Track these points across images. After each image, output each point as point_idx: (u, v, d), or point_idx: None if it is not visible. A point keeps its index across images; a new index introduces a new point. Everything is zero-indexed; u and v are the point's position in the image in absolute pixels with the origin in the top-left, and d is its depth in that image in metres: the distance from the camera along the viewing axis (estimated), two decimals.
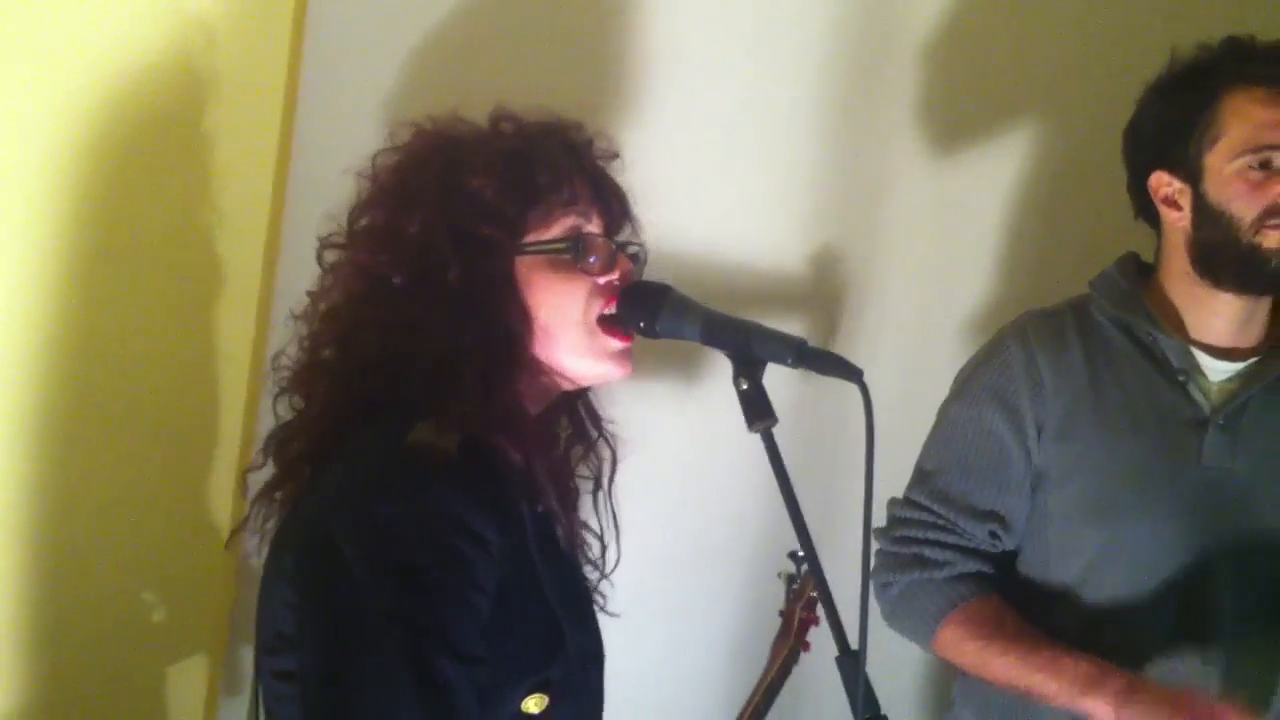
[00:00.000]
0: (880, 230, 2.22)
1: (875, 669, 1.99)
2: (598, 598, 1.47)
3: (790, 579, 2.01)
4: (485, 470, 1.23)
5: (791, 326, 1.35)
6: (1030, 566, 1.78)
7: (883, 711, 1.30)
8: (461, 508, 1.17)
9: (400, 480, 1.19)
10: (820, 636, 1.77)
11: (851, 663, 1.29)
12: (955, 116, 2.24)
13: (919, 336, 2.23)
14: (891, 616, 1.78)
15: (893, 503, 1.82)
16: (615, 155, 1.40)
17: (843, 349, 2.13)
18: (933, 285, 2.27)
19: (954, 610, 1.72)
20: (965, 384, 1.82)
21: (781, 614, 1.96)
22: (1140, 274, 1.81)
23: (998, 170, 2.29)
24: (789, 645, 1.90)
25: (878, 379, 2.13)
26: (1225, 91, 1.66)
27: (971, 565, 1.75)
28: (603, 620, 1.47)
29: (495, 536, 1.19)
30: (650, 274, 1.40)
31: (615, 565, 1.48)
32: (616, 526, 1.47)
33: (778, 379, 1.29)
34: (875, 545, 1.78)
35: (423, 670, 1.12)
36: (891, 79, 2.20)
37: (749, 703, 1.82)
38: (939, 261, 2.26)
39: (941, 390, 1.88)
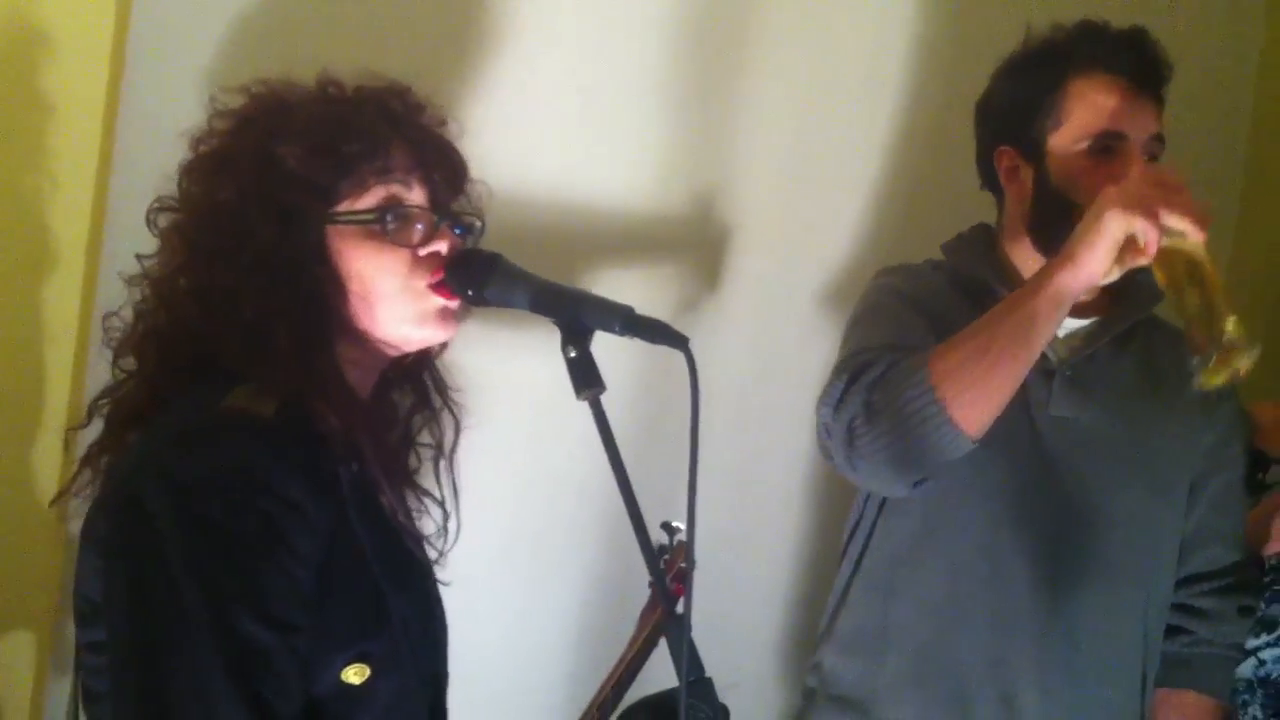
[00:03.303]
0: (731, 197, 2.28)
1: (733, 635, 2.07)
2: (434, 568, 1.51)
3: (660, 550, 2.06)
4: (301, 435, 1.28)
5: (640, 295, 1.39)
6: (895, 509, 1.88)
7: (707, 673, 1.35)
8: (272, 471, 1.22)
9: (211, 441, 1.23)
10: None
11: (676, 625, 1.34)
12: (810, 82, 2.31)
13: (770, 306, 2.30)
14: (871, 423, 1.65)
15: (831, 384, 1.75)
16: (443, 121, 1.44)
17: (693, 317, 2.22)
18: (784, 253, 2.34)
19: (929, 356, 1.64)
20: (879, 286, 1.89)
21: (651, 585, 1.99)
22: (991, 241, 1.93)
23: (854, 137, 2.37)
24: (657, 617, 1.93)
25: (729, 347, 2.23)
26: (1072, 76, 1.76)
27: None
28: (452, 592, 1.52)
29: (309, 502, 1.23)
30: (495, 244, 1.44)
31: (456, 536, 1.51)
32: (456, 496, 1.51)
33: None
34: (822, 419, 1.75)
35: (230, 634, 1.17)
36: (745, 41, 2.26)
37: (611, 674, 1.86)
38: (792, 229, 2.33)
39: (789, 357, 1.94)
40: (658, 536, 2.04)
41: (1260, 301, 2.29)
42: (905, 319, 1.81)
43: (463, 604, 1.55)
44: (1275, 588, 2.08)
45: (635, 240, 2.22)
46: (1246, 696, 2.10)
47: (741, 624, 2.12)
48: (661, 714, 1.49)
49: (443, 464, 1.52)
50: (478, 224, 1.46)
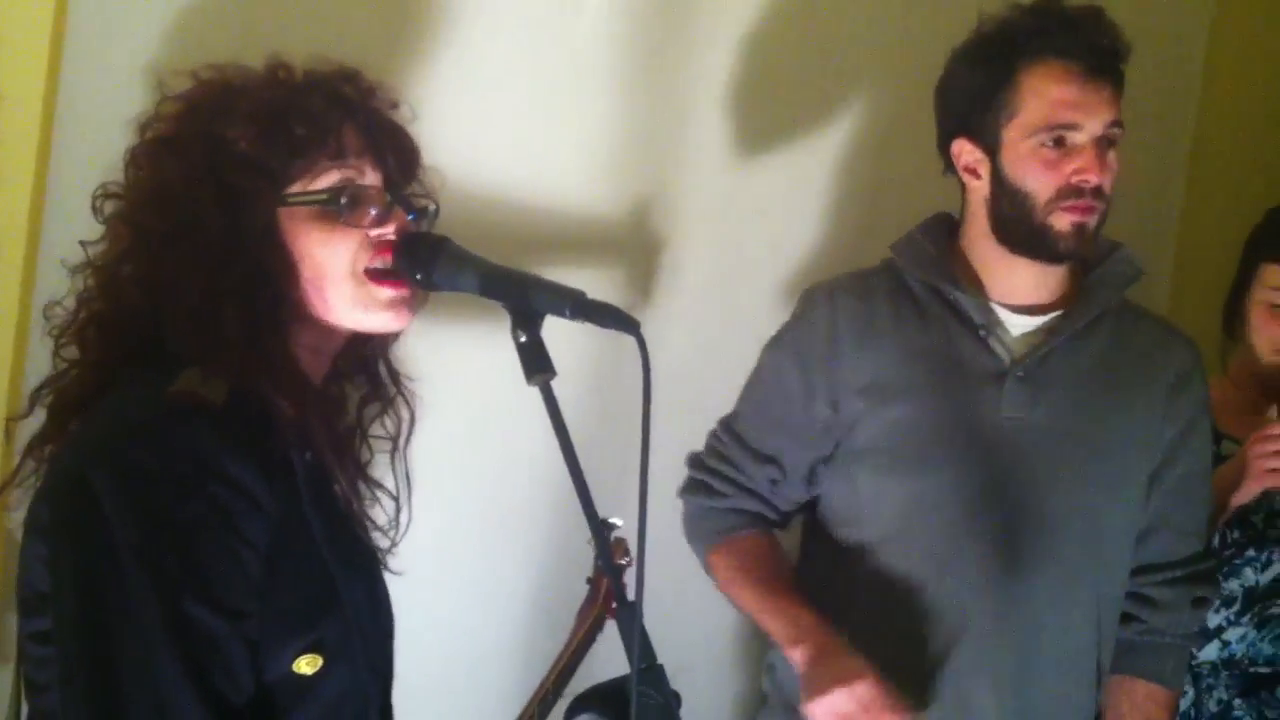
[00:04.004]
0: (683, 185, 2.30)
1: (685, 622, 2.07)
2: (385, 558, 1.50)
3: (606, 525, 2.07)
4: (251, 421, 1.27)
5: (590, 284, 1.39)
6: (845, 520, 1.90)
7: (659, 661, 1.36)
8: (221, 456, 1.21)
9: (159, 426, 1.22)
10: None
11: (629, 614, 1.34)
12: (764, 73, 2.32)
13: (720, 293, 2.32)
14: (685, 532, 2.00)
15: (710, 431, 1.99)
16: (395, 105, 1.43)
17: (644, 305, 2.23)
18: (736, 242, 2.36)
19: (723, 537, 1.92)
20: (778, 333, 1.96)
21: (590, 580, 2.00)
22: (949, 232, 1.93)
23: (807, 130, 2.39)
24: (595, 611, 1.94)
25: (678, 333, 2.24)
26: (1023, 66, 1.75)
27: (748, 504, 1.93)
28: (399, 582, 1.51)
29: (260, 488, 1.23)
30: (449, 228, 1.43)
31: (407, 526, 1.51)
32: (409, 486, 1.50)
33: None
34: (687, 472, 1.99)
35: (181, 621, 1.16)
36: (700, 32, 2.27)
37: (553, 668, 1.86)
38: (742, 218, 2.35)
39: (742, 344, 1.99)
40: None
41: (1205, 287, 2.32)
42: (765, 412, 1.93)
43: (411, 594, 1.54)
44: (1235, 562, 2.12)
45: (585, 229, 2.23)
46: (1211, 680, 2.15)
47: (693, 610, 2.13)
48: (613, 702, 1.49)
49: (396, 455, 1.51)
50: (431, 207, 1.46)
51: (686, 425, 1.99)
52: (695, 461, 1.98)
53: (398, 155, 1.41)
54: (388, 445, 1.51)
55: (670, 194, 2.28)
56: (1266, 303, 2.13)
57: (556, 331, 1.35)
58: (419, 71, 2.03)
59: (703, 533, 1.96)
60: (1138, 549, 1.89)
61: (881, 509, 1.84)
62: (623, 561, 1.83)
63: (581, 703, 1.54)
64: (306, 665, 1.27)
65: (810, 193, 2.40)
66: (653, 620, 1.42)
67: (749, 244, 2.35)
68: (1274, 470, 1.97)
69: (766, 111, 2.34)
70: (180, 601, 1.16)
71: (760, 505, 1.94)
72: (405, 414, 1.51)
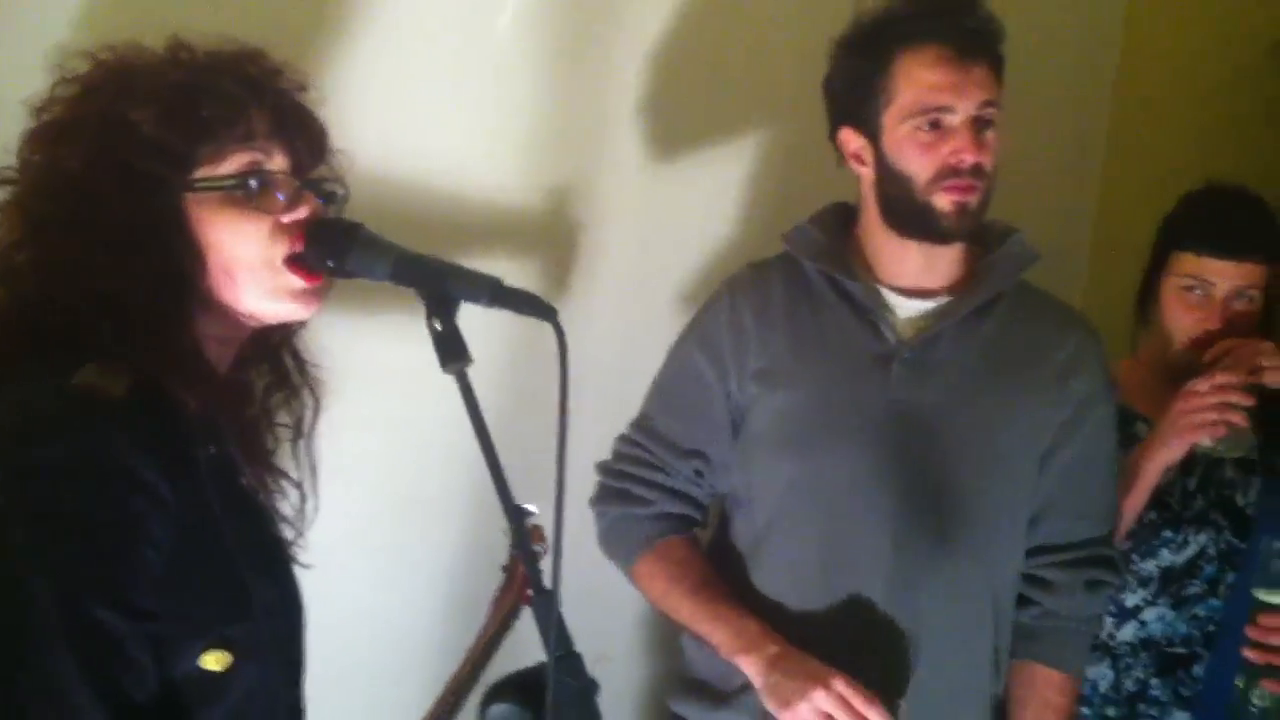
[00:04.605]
0: (605, 173, 2.29)
1: (603, 610, 2.07)
2: (293, 550, 1.49)
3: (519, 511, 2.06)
4: (155, 414, 1.24)
5: (510, 273, 1.38)
6: (741, 505, 1.94)
7: (576, 648, 1.36)
8: (124, 452, 1.19)
9: (59, 422, 1.19)
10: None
11: (544, 602, 1.34)
12: (682, 72, 2.33)
13: (639, 286, 2.33)
14: (603, 544, 2.00)
15: (616, 438, 1.99)
16: (303, 87, 1.41)
17: (562, 296, 2.22)
18: (653, 232, 2.37)
19: (650, 546, 1.91)
20: (684, 330, 1.98)
21: (505, 568, 2.00)
22: (844, 221, 1.97)
23: (723, 126, 2.40)
24: (511, 599, 1.94)
25: (597, 324, 2.24)
26: (898, 51, 1.78)
27: (674, 507, 1.93)
28: (312, 574, 1.50)
29: (163, 484, 1.21)
30: (364, 216, 1.42)
31: (314, 516, 1.50)
32: (315, 475, 1.49)
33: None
34: (597, 477, 1.99)
35: (83, 623, 1.14)
36: (620, 30, 2.27)
37: (467, 658, 1.86)
38: (659, 209, 2.35)
39: (662, 334, 1.99)
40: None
41: (1121, 272, 2.35)
42: (682, 407, 1.94)
43: (324, 586, 1.53)
44: (1152, 542, 2.15)
45: (503, 220, 2.22)
46: (1130, 660, 2.18)
47: (611, 598, 2.14)
48: (529, 691, 1.49)
49: (301, 443, 1.49)
50: (340, 192, 1.44)
51: (606, 414, 1.99)
52: (610, 470, 1.98)
53: (306, 138, 1.40)
54: (300, 434, 1.49)
55: (588, 188, 2.28)
56: (1178, 289, 2.16)
57: (475, 320, 1.35)
58: (333, 56, 2.00)
59: (627, 543, 1.95)
60: (1032, 531, 1.92)
61: (773, 493, 1.87)
62: (538, 549, 1.82)
63: (496, 692, 1.53)
64: (214, 662, 1.26)
65: (726, 189, 2.42)
66: (571, 608, 1.42)
67: (666, 239, 2.36)
68: (1199, 425, 1.99)
69: (684, 107, 2.35)
70: (80, 602, 1.14)
71: (685, 506, 1.95)
72: (311, 401, 1.50)
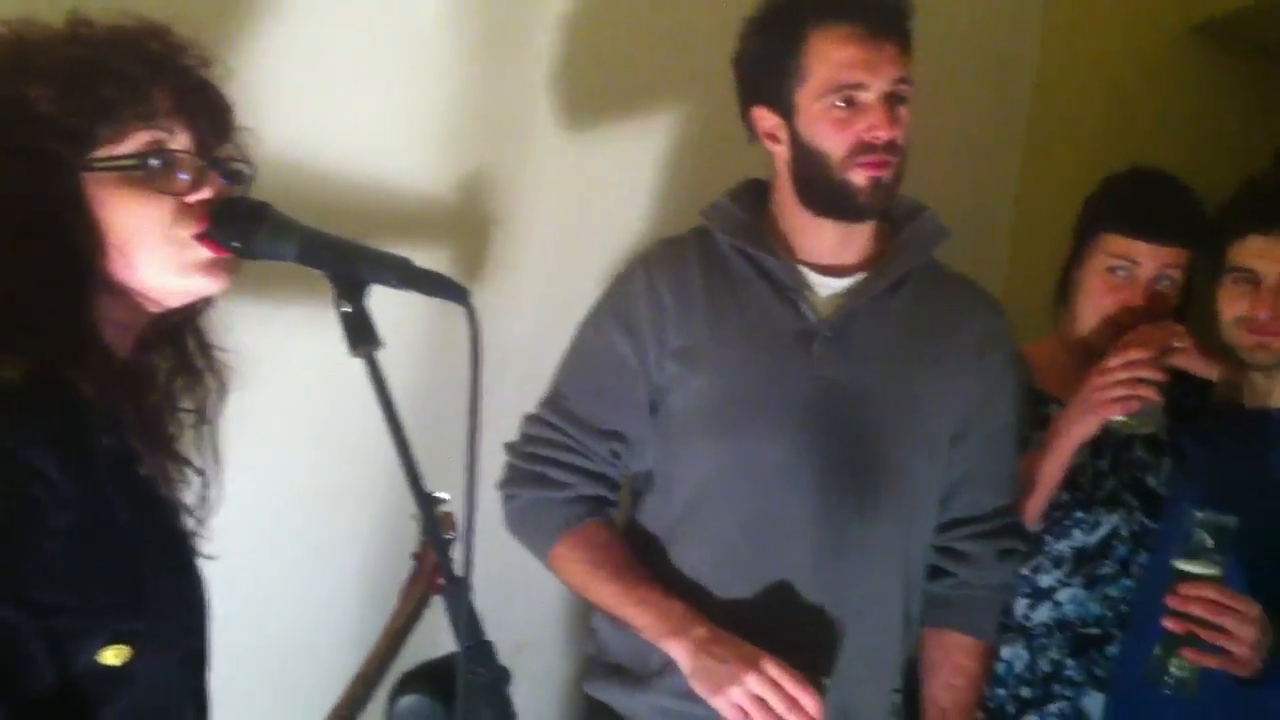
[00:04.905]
0: (524, 157, 2.28)
1: (519, 597, 2.05)
2: (196, 541, 1.46)
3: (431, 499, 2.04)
4: (51, 403, 1.21)
5: (425, 257, 1.36)
6: (662, 484, 1.93)
7: (486, 636, 1.35)
8: (18, 442, 1.16)
9: None
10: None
11: (454, 590, 1.32)
12: (602, 44, 2.32)
13: (557, 270, 2.32)
14: (514, 528, 1.96)
15: (525, 419, 1.95)
16: (207, 63, 1.37)
17: (482, 279, 2.20)
18: (575, 216, 2.36)
19: (568, 531, 1.88)
20: (596, 308, 1.96)
21: (415, 556, 1.98)
22: (760, 197, 1.97)
23: (645, 99, 2.40)
24: (421, 588, 1.92)
25: (518, 310, 2.22)
26: (809, 30, 1.79)
27: (590, 489, 1.91)
28: (217, 565, 1.47)
29: (61, 474, 1.18)
30: (272, 196, 1.38)
31: (218, 505, 1.47)
32: (218, 462, 1.46)
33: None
34: (506, 458, 1.95)
35: None
36: (537, 13, 2.26)
37: (376, 648, 1.84)
38: (583, 190, 2.35)
39: (578, 321, 1.98)
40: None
41: (1041, 255, 2.37)
42: (598, 386, 1.92)
43: (231, 576, 1.51)
44: (1064, 524, 2.18)
45: (418, 203, 2.20)
46: (1044, 640, 2.21)
47: (531, 584, 2.12)
48: (439, 680, 1.47)
49: (205, 429, 1.46)
50: (246, 171, 1.41)
51: (528, 399, 1.98)
52: (522, 452, 1.95)
53: (210, 116, 1.36)
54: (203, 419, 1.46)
55: (507, 172, 2.26)
56: (1103, 270, 2.18)
57: (393, 304, 1.34)
58: (244, 33, 1.95)
59: (543, 528, 1.92)
60: (946, 504, 1.96)
61: (696, 473, 1.87)
62: (449, 536, 1.80)
63: (405, 684, 1.51)
64: (114, 656, 1.23)
65: (644, 171, 2.41)
66: (490, 595, 1.41)
67: (587, 223, 2.35)
68: (1112, 400, 2.02)
69: (601, 91, 2.34)
70: None
71: (601, 488, 1.93)
72: (215, 386, 1.46)
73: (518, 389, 1.97)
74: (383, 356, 1.32)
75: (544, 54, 2.26)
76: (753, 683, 1.69)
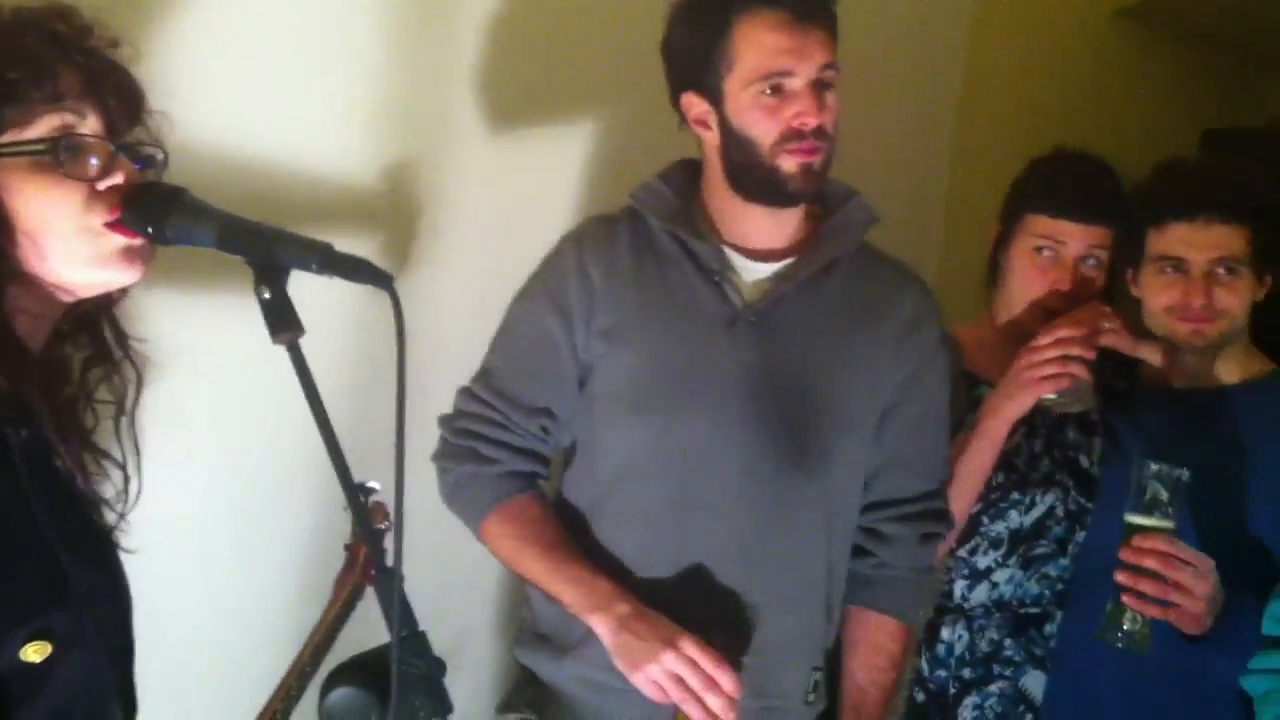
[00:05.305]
0: (453, 142, 2.25)
1: (457, 586, 2.02)
2: (117, 534, 1.43)
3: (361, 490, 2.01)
4: None
5: (356, 245, 1.33)
6: (585, 461, 1.95)
7: (420, 628, 1.33)
8: None
9: None
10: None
11: (386, 580, 1.30)
12: (529, 29, 2.30)
13: (496, 254, 2.28)
14: (448, 501, 1.97)
15: (458, 392, 1.96)
16: (115, 43, 1.34)
17: (415, 266, 2.17)
18: (512, 201, 2.33)
19: (499, 505, 1.90)
20: (527, 285, 1.97)
21: (347, 547, 1.95)
22: (692, 179, 1.98)
23: (576, 88, 2.39)
24: (354, 579, 1.90)
25: (452, 295, 2.19)
26: (735, 17, 1.79)
27: (521, 465, 1.92)
28: (144, 558, 1.44)
29: None
30: (191, 182, 1.35)
31: (137, 498, 1.44)
32: (138, 455, 1.43)
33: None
34: (439, 432, 1.95)
35: None
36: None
37: (309, 641, 1.81)
38: (514, 175, 2.33)
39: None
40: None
41: (973, 240, 2.39)
42: (528, 363, 1.93)
43: (158, 570, 1.48)
44: (1000, 505, 2.19)
45: (347, 188, 2.16)
46: (983, 621, 2.22)
47: (468, 575, 2.10)
48: (372, 674, 1.45)
49: (123, 420, 1.42)
50: (159, 155, 1.38)
51: (456, 386, 1.96)
52: (454, 427, 1.94)
53: (120, 98, 1.32)
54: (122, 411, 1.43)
55: (434, 158, 2.23)
56: (1030, 251, 2.20)
57: (323, 291, 1.31)
58: (156, 15, 1.90)
59: (474, 502, 1.93)
60: (871, 486, 1.97)
61: (621, 450, 1.89)
62: (382, 526, 1.77)
63: (337, 676, 1.49)
64: (34, 653, 1.21)
65: (575, 155, 2.40)
66: (430, 585, 1.38)
67: (517, 210, 2.33)
68: (1042, 379, 2.04)
69: (529, 75, 2.32)
70: None
71: (532, 463, 1.93)
72: (133, 376, 1.43)
73: (452, 377, 1.96)
74: (311, 345, 1.30)
75: (469, 38, 2.24)
76: (670, 660, 1.70)
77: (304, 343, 1.30)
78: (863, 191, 1.99)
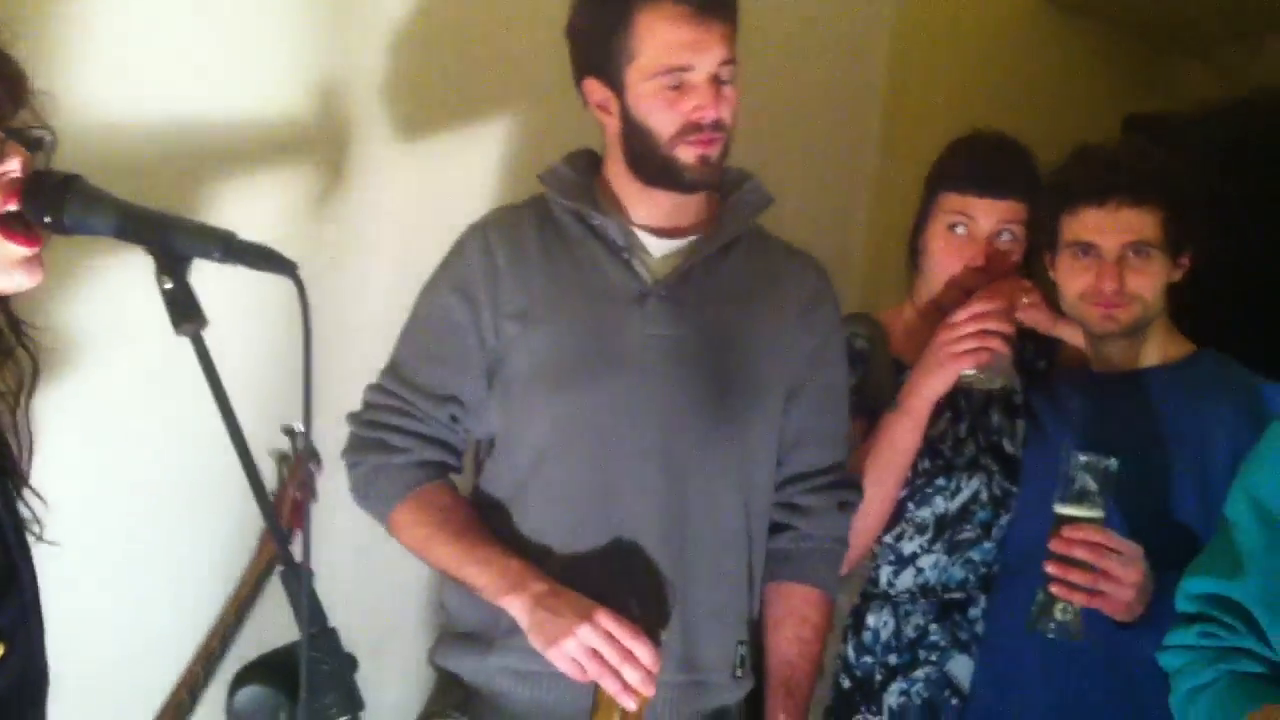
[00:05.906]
0: (364, 134, 2.24)
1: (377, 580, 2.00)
2: (33, 526, 1.39)
3: (282, 459, 2.02)
4: None
5: (274, 234, 1.32)
6: (502, 450, 1.95)
7: (330, 624, 1.31)
8: None
9: None
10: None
11: (294, 577, 1.29)
12: (445, 25, 2.30)
13: (404, 246, 2.28)
14: (357, 496, 1.96)
15: (366, 388, 1.96)
16: None
17: (336, 256, 2.16)
18: (434, 186, 2.35)
19: (408, 494, 1.89)
20: (433, 275, 1.98)
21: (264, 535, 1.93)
22: (594, 165, 2.02)
23: (489, 80, 2.40)
24: (266, 557, 1.90)
25: (372, 284, 2.17)
26: (637, 10, 1.82)
27: (431, 453, 1.92)
28: (54, 554, 1.41)
29: None
30: (87, 170, 1.32)
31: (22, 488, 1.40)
32: (31, 446, 1.40)
33: None
34: (349, 428, 1.94)
35: None
36: None
37: (220, 621, 1.78)
38: (424, 172, 2.34)
39: None
40: (279, 444, 2.02)
41: (899, 228, 2.39)
42: (435, 353, 1.93)
43: (66, 567, 1.44)
44: (926, 490, 2.19)
45: (268, 170, 2.13)
46: (909, 606, 2.23)
47: (390, 572, 2.08)
48: (281, 672, 1.43)
49: (18, 412, 1.39)
50: (48, 137, 1.33)
51: (373, 374, 1.94)
52: (363, 420, 1.95)
53: (2, 84, 1.27)
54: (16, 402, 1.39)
55: (343, 150, 2.22)
56: (944, 229, 2.21)
57: (230, 280, 1.29)
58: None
59: (384, 493, 1.92)
60: (785, 462, 2.01)
61: (538, 431, 1.90)
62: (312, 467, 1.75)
63: (245, 674, 1.46)
64: None
65: (488, 153, 2.42)
66: (348, 585, 1.36)
67: (426, 205, 2.33)
68: (961, 354, 2.06)
69: (443, 75, 2.33)
70: None
71: (442, 453, 1.94)
72: (27, 366, 1.39)
73: (365, 375, 1.95)
74: (219, 336, 1.28)
75: (386, 32, 2.23)
76: (586, 634, 1.69)
77: (210, 334, 1.28)
78: (790, 180, 2.03)
